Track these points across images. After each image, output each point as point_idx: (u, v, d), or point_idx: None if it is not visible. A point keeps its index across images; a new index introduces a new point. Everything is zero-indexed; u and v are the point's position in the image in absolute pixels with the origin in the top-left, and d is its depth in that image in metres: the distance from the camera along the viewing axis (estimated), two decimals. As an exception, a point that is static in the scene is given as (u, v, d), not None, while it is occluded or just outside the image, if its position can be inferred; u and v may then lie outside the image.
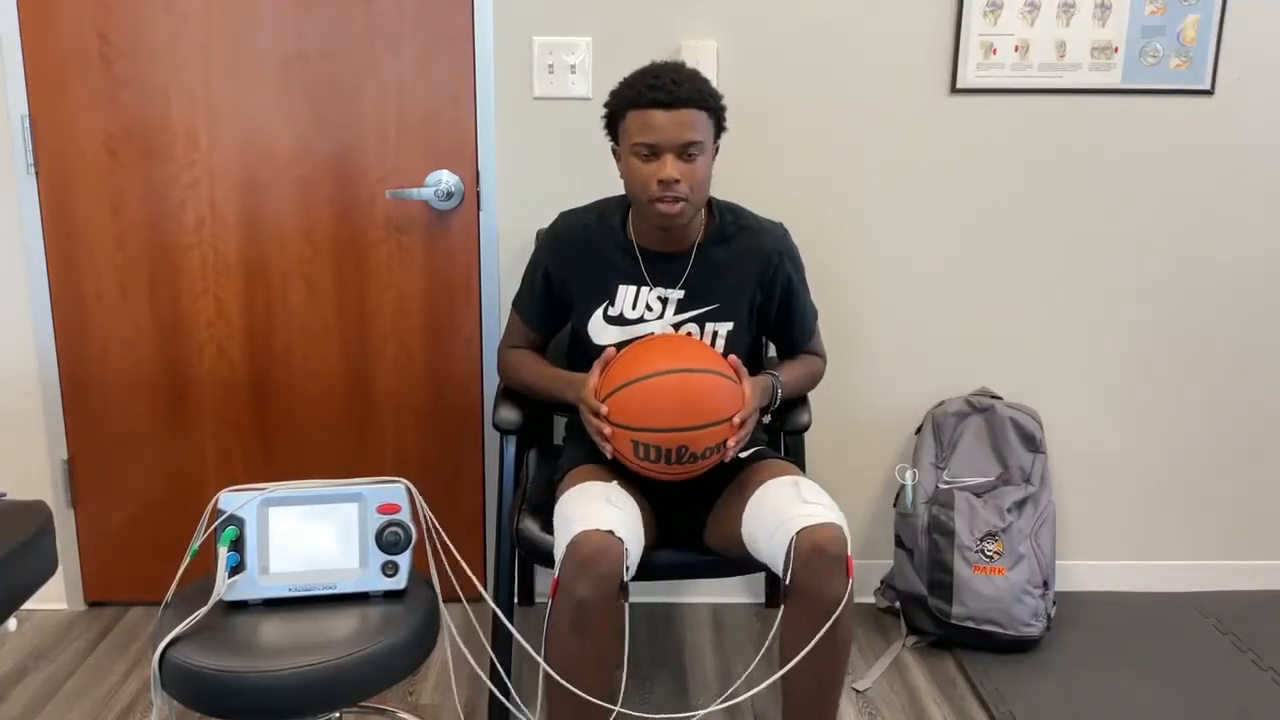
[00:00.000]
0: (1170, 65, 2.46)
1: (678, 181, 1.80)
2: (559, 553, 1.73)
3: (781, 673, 1.74)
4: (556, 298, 2.05)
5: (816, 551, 1.68)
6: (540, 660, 1.75)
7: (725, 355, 1.91)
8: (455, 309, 2.52)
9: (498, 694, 1.92)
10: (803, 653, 1.70)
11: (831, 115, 2.47)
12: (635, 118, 1.82)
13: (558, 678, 1.73)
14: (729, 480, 1.93)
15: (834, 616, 1.68)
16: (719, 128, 1.88)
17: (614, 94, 1.86)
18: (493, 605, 1.87)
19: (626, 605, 1.72)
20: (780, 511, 1.76)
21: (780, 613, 1.75)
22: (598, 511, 1.75)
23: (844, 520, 1.75)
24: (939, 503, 2.47)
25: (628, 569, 1.72)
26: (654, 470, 1.83)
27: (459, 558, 1.76)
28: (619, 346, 1.90)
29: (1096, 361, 2.63)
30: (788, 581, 1.71)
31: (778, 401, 1.97)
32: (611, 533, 1.70)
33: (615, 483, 1.85)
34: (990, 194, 2.53)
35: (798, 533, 1.69)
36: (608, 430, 1.81)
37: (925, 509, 2.48)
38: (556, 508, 1.87)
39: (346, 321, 2.52)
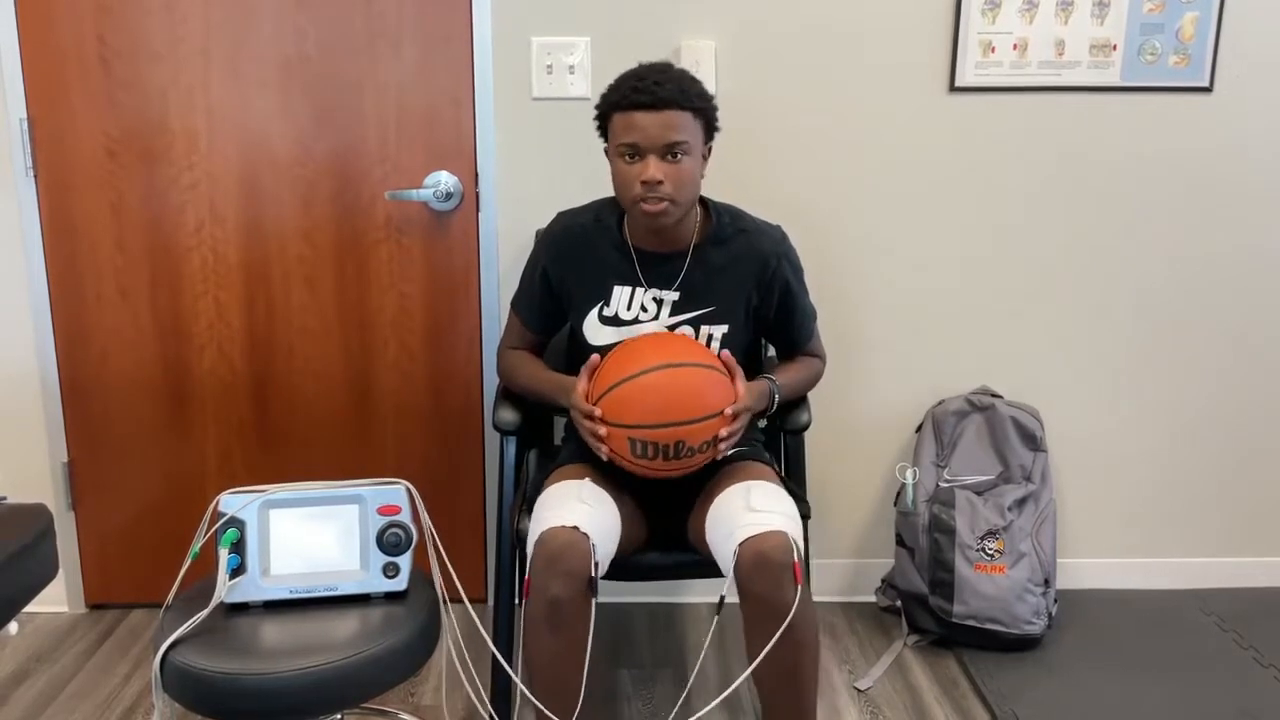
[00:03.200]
0: (1169, 63, 2.46)
1: (660, 182, 1.80)
2: (529, 551, 1.75)
3: (741, 678, 1.77)
4: (555, 298, 2.05)
5: (759, 560, 1.68)
6: (509, 668, 1.76)
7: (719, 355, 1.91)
8: (455, 309, 2.52)
9: (481, 709, 1.92)
10: (757, 660, 1.71)
11: (831, 114, 2.46)
12: (620, 119, 1.82)
13: (524, 688, 1.74)
14: (704, 483, 1.93)
15: (785, 623, 1.68)
16: (709, 129, 1.88)
17: (602, 95, 1.86)
18: (480, 625, 1.87)
19: (594, 603, 1.73)
20: (728, 520, 1.77)
21: (715, 618, 1.80)
22: (566, 509, 1.77)
23: (796, 526, 1.76)
24: (940, 501, 2.47)
25: (596, 564, 1.72)
26: (652, 468, 1.83)
27: (448, 563, 1.75)
28: (614, 347, 1.90)
29: (1096, 359, 2.63)
30: (726, 589, 1.72)
31: (774, 406, 1.97)
32: (576, 528, 1.71)
33: (588, 479, 1.86)
34: (990, 192, 2.53)
35: (741, 543, 1.71)
36: (603, 431, 1.81)
37: (926, 507, 2.48)
38: (534, 509, 1.88)
39: (347, 322, 2.52)
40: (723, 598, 1.73)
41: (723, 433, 1.81)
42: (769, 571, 1.68)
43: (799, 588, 1.70)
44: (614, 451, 1.83)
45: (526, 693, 1.77)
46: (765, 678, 1.78)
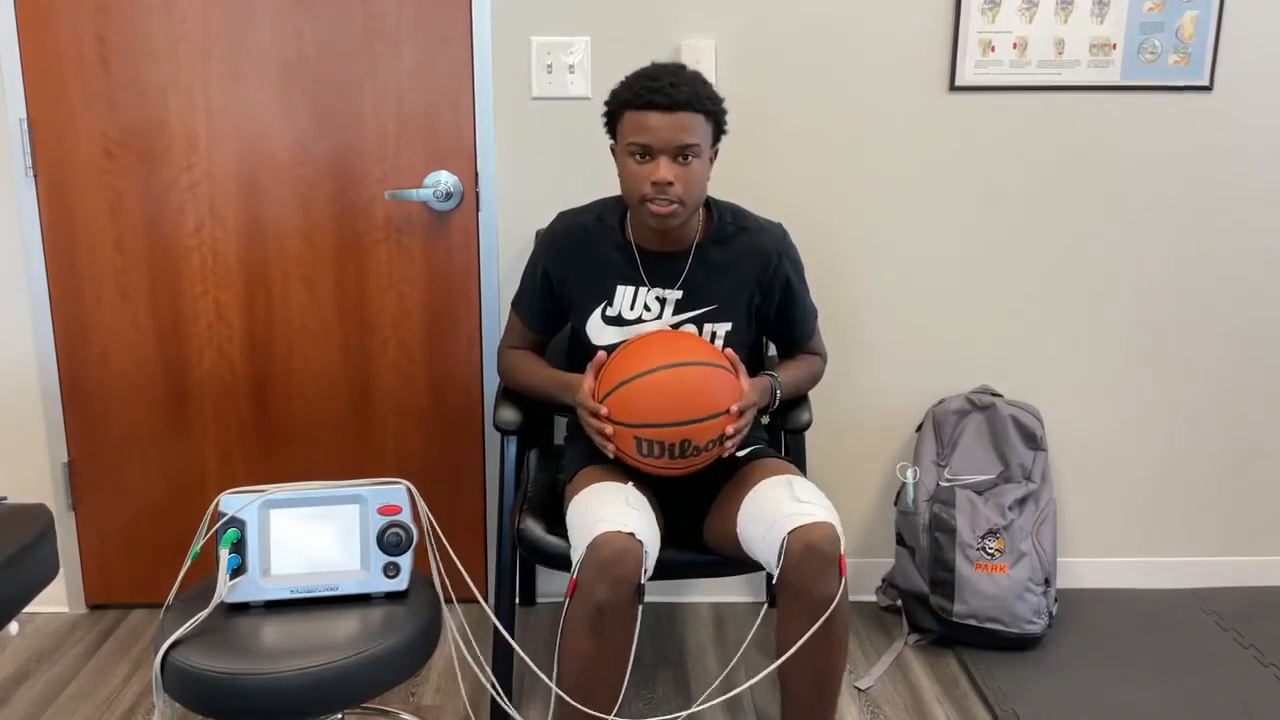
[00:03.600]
0: (1169, 61, 2.46)
1: (671, 184, 1.80)
2: (577, 554, 1.73)
3: (772, 667, 1.75)
4: (556, 298, 2.05)
5: (809, 551, 1.68)
6: (536, 668, 1.76)
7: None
8: (455, 309, 2.52)
9: (500, 699, 1.92)
10: (793, 648, 1.70)
11: (830, 114, 2.46)
12: (631, 119, 1.82)
13: (555, 688, 1.74)
14: (726, 480, 1.93)
15: (826, 614, 1.68)
16: (718, 131, 1.88)
17: (613, 93, 1.86)
18: (490, 613, 1.87)
19: (640, 608, 1.72)
20: (773, 511, 1.76)
21: (764, 612, 1.76)
22: (618, 513, 1.75)
23: (837, 519, 1.75)
24: (940, 500, 2.47)
25: (646, 571, 1.72)
26: (657, 466, 1.83)
27: (456, 559, 1.76)
28: (618, 347, 1.90)
29: (1097, 358, 2.63)
30: (775, 580, 1.71)
31: (776, 402, 1.97)
32: (633, 535, 1.70)
33: (632, 484, 1.85)
34: (990, 191, 2.53)
35: (790, 532, 1.70)
36: (609, 430, 1.81)
37: (926, 507, 2.48)
38: (571, 508, 1.86)
39: (347, 323, 2.52)
40: (775, 586, 1.72)
41: (729, 430, 1.81)
42: (817, 562, 1.68)
43: (843, 580, 1.70)
44: (620, 449, 1.83)
45: (559, 692, 1.75)
46: (795, 672, 1.77)
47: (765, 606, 1.78)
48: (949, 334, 2.60)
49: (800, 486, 1.80)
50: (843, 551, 1.70)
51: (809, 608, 1.69)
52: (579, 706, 1.74)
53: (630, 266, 1.97)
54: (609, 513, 1.75)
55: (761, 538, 1.76)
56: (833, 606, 1.69)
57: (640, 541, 1.70)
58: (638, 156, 1.82)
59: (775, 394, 1.96)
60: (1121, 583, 2.74)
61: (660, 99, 1.78)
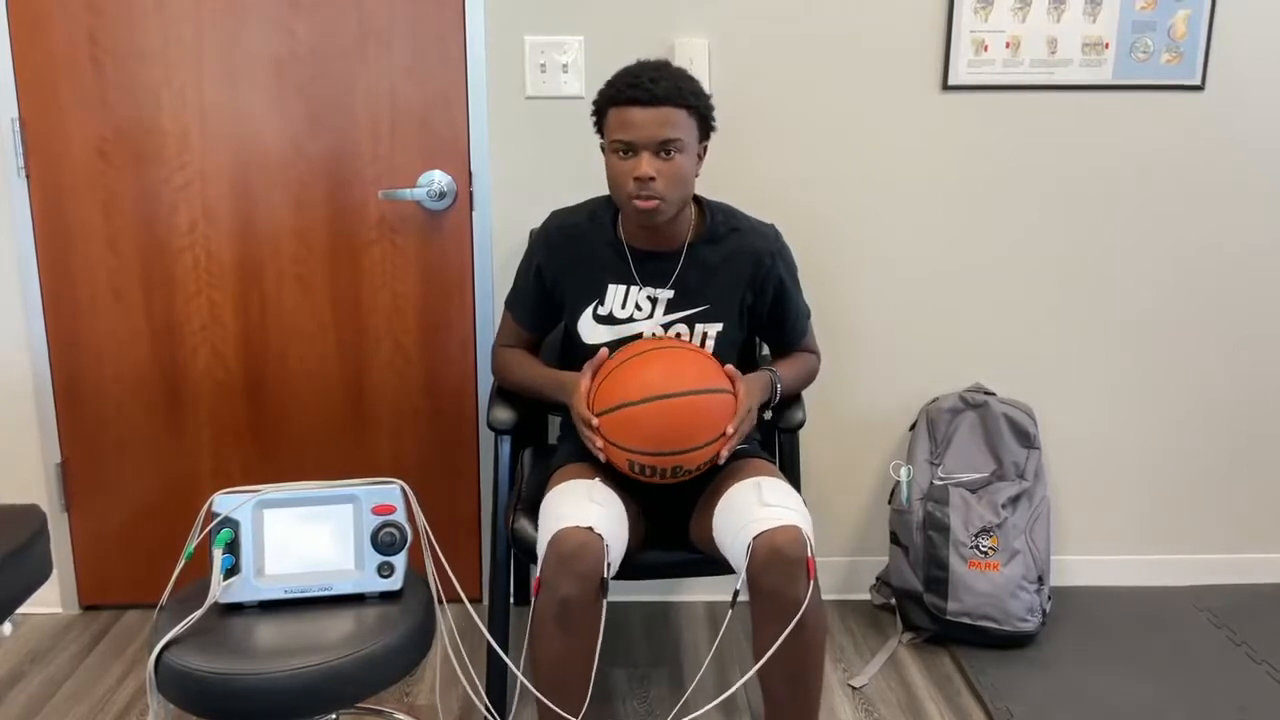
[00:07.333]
0: (1161, 60, 2.46)
1: (653, 179, 1.80)
2: (541, 550, 1.75)
3: (750, 673, 1.76)
4: (549, 296, 2.05)
5: (774, 554, 1.69)
6: (513, 667, 1.76)
7: (715, 355, 1.92)
8: (450, 309, 2.52)
9: (478, 702, 1.92)
10: (768, 654, 1.71)
11: (823, 112, 2.47)
12: (614, 115, 1.83)
13: (528, 684, 1.75)
14: (708, 481, 1.94)
15: (796, 618, 1.69)
16: (705, 127, 1.88)
17: (599, 91, 1.87)
18: (477, 618, 1.87)
19: (605, 603, 1.73)
20: (741, 514, 1.77)
21: (729, 614, 1.80)
22: (579, 509, 1.76)
23: (807, 521, 1.76)
24: (934, 499, 2.48)
25: (609, 565, 1.73)
26: (649, 481, 1.86)
27: (444, 563, 1.76)
28: (610, 346, 1.91)
29: (1090, 356, 2.64)
30: (739, 584, 1.72)
31: (778, 397, 1.97)
32: (591, 529, 1.71)
33: (598, 479, 1.87)
34: (982, 190, 2.53)
35: (755, 536, 1.71)
36: (600, 443, 1.83)
37: (920, 505, 2.49)
38: (541, 506, 1.88)
39: (341, 322, 2.52)
40: (736, 593, 1.73)
41: (723, 454, 1.83)
42: (783, 566, 1.68)
43: (811, 583, 1.70)
44: (611, 461, 1.85)
45: (533, 691, 1.77)
46: (772, 675, 1.78)
47: (730, 609, 1.78)
48: (942, 333, 2.61)
49: (769, 489, 1.81)
50: (810, 554, 1.70)
51: (779, 610, 1.70)
52: (554, 708, 1.76)
53: (622, 265, 1.97)
54: (570, 509, 1.76)
55: (732, 541, 1.77)
56: (801, 610, 1.69)
57: (600, 536, 1.71)
58: (621, 153, 1.83)
59: (775, 388, 1.96)
60: (1115, 580, 2.75)
61: (641, 94, 1.78)
